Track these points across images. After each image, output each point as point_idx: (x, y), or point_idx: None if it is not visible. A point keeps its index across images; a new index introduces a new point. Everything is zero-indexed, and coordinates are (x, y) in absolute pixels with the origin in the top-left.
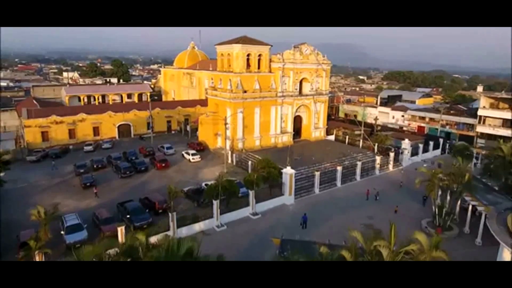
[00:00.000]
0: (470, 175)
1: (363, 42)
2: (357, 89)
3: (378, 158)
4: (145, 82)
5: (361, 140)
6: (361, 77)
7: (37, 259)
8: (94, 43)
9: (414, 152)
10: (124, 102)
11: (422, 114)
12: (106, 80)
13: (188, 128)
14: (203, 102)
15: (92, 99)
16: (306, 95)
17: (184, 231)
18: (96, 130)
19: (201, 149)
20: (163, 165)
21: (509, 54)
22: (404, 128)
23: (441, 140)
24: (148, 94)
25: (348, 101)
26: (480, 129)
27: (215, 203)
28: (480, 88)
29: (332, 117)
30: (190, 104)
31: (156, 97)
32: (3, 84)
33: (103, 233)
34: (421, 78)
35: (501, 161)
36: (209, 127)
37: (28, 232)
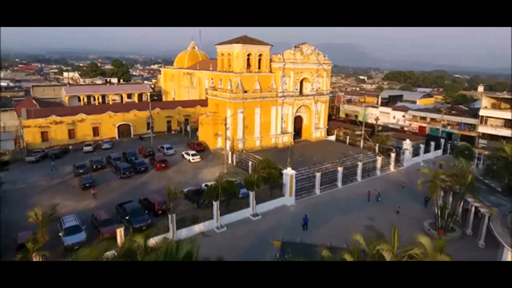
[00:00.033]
0: (472, 176)
1: (363, 42)
2: (358, 89)
3: (379, 159)
4: (145, 82)
5: (362, 141)
6: (361, 77)
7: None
8: (94, 43)
9: (415, 153)
10: (124, 102)
11: (423, 114)
12: (106, 80)
13: (188, 128)
14: (203, 102)
15: (92, 99)
16: (307, 95)
17: (184, 233)
18: (95, 131)
19: (201, 149)
20: (163, 165)
21: (509, 54)
22: (405, 129)
23: (442, 141)
24: (148, 94)
25: (349, 101)
26: (481, 129)
27: (215, 204)
28: (481, 88)
29: (333, 117)
30: (190, 104)
31: (156, 97)
32: (3, 84)
33: (102, 235)
34: (422, 78)
35: (504, 162)
36: (209, 128)
37: (25, 234)
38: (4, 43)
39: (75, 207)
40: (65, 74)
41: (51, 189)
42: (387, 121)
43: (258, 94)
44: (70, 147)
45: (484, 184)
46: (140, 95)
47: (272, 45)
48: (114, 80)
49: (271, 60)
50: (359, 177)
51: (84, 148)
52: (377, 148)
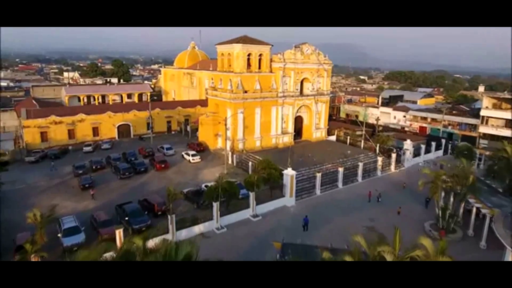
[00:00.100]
0: (474, 177)
1: (363, 42)
2: (358, 89)
3: (379, 159)
4: (145, 82)
5: (362, 141)
6: (362, 77)
7: None
8: (94, 43)
9: (416, 153)
10: (124, 102)
11: (424, 114)
12: (106, 80)
13: (188, 128)
14: (204, 103)
15: (92, 99)
16: (307, 95)
17: (184, 234)
18: (95, 131)
19: (201, 149)
20: (163, 166)
21: (509, 54)
22: (406, 129)
23: (443, 141)
24: (148, 94)
25: (349, 101)
26: (482, 129)
27: (215, 205)
28: (481, 88)
29: (333, 117)
30: (190, 104)
31: (156, 97)
32: (3, 84)
33: (101, 236)
34: (422, 78)
35: (506, 163)
36: (209, 128)
37: (24, 235)
38: (4, 43)
39: (74, 207)
40: (65, 74)
41: (51, 190)
42: (387, 121)
43: (258, 94)
44: (70, 147)
45: (485, 184)
46: (140, 95)
47: (272, 45)
48: (114, 80)
49: (271, 60)
50: (359, 178)
51: (84, 148)
52: (377, 148)
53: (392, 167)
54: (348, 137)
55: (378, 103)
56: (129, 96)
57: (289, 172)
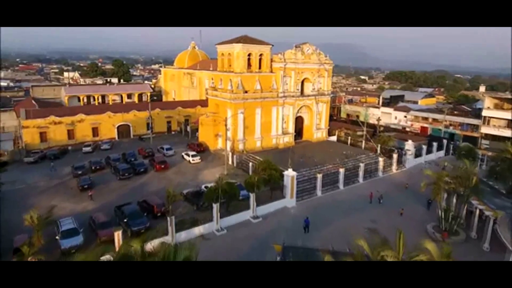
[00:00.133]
0: (477, 179)
1: (363, 42)
2: (359, 89)
3: (381, 160)
4: (145, 82)
5: (363, 141)
6: (362, 77)
7: None
8: (95, 43)
9: (418, 154)
10: (124, 102)
11: (425, 114)
12: (106, 80)
13: (188, 128)
14: (204, 103)
15: (92, 99)
16: (308, 96)
17: (183, 236)
18: (95, 131)
19: (201, 150)
20: (162, 166)
21: (509, 54)
22: (407, 129)
23: (444, 141)
24: (148, 94)
25: (350, 102)
26: (484, 130)
27: (215, 206)
28: (482, 88)
29: (334, 117)
30: (190, 104)
31: (156, 97)
32: (3, 84)
33: (100, 238)
34: (423, 78)
35: (509, 164)
36: (210, 128)
37: (21, 237)
38: (5, 43)
39: (73, 208)
40: (66, 74)
41: (50, 190)
42: (388, 122)
43: (258, 94)
44: (69, 147)
45: (488, 186)
46: (140, 95)
47: (273, 45)
48: (115, 80)
49: (271, 60)
50: (361, 179)
51: (83, 148)
52: (379, 149)
53: (394, 167)
54: (349, 138)
55: (379, 103)
56: (129, 96)
57: (289, 173)
